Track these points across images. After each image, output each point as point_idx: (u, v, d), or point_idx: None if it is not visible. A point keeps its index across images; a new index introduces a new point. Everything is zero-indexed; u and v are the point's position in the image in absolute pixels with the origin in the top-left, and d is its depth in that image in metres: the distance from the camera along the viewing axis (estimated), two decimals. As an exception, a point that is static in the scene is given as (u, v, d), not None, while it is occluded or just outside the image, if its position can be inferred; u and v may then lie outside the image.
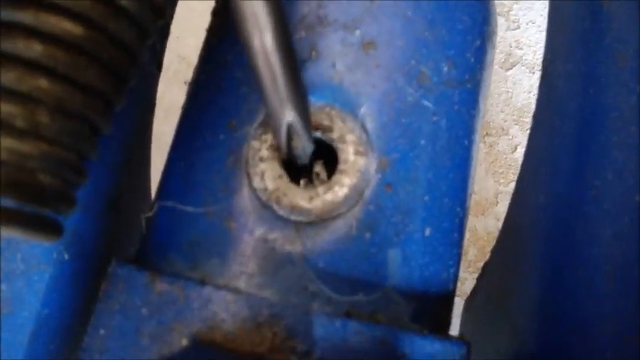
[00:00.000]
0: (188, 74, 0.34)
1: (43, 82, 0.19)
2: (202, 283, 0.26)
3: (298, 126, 0.25)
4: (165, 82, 1.11)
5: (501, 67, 1.23)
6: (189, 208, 0.28)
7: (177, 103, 0.34)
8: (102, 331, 0.26)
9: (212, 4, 0.36)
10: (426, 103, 0.30)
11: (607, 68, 0.32)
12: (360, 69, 0.29)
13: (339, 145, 0.28)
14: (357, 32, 0.30)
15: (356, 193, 0.28)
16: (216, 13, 0.36)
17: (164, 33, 0.38)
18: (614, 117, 0.30)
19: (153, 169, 0.45)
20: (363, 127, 0.29)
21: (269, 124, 0.29)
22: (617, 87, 0.31)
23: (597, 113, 0.32)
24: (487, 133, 1.20)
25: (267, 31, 0.21)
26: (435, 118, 0.31)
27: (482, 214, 1.15)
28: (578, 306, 0.30)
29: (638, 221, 0.27)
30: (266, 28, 0.21)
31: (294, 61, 0.22)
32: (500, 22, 1.28)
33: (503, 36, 1.25)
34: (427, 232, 0.30)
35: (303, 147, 0.27)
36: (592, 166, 0.31)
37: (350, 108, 0.29)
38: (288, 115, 0.24)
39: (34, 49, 0.19)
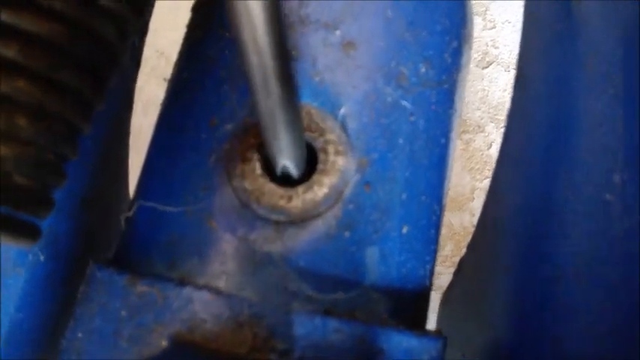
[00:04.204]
0: (166, 69, 0.34)
1: (20, 83, 0.19)
2: (182, 283, 0.26)
3: (291, 168, 0.27)
4: (144, 77, 1.09)
5: (477, 66, 1.25)
6: (169, 208, 0.28)
7: (155, 98, 0.34)
8: (80, 334, 0.26)
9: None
10: (404, 103, 0.31)
11: (578, 72, 0.33)
12: (341, 69, 0.30)
13: (318, 145, 0.29)
14: (338, 32, 0.30)
15: (335, 192, 0.28)
16: (196, 9, 0.35)
17: (143, 29, 0.38)
18: (584, 119, 0.31)
19: (131, 165, 0.45)
20: (343, 127, 0.29)
21: (249, 122, 0.29)
22: (587, 91, 0.32)
23: (568, 116, 0.33)
24: (464, 131, 1.22)
25: (272, 98, 0.21)
26: (412, 118, 0.31)
27: (459, 210, 1.16)
28: (548, 302, 0.31)
29: (606, 221, 0.28)
30: (273, 95, 0.21)
31: (297, 120, 0.23)
32: (477, 22, 1.30)
33: (480, 35, 1.27)
34: (405, 229, 0.30)
35: (295, 174, 0.28)
36: (562, 167, 0.32)
37: (330, 108, 0.29)
38: (284, 161, 0.26)
39: (12, 48, 0.19)
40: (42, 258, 0.30)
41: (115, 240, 0.31)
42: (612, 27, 0.31)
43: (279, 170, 0.27)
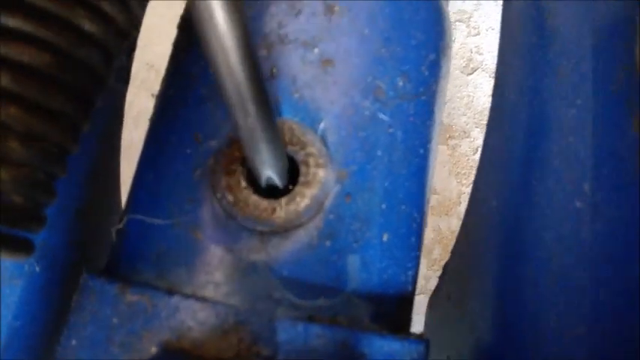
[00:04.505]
0: (156, 82, 0.35)
1: (12, 110, 0.20)
2: (170, 292, 0.27)
3: (275, 178, 0.28)
4: (134, 90, 1.10)
5: (462, 72, 1.26)
6: (157, 220, 0.29)
7: (145, 110, 0.34)
8: (74, 342, 0.27)
9: (180, 10, 0.37)
10: (382, 116, 0.32)
11: (550, 81, 0.34)
12: (319, 85, 0.31)
13: (300, 158, 0.30)
14: (316, 50, 0.31)
15: (317, 203, 0.30)
16: (181, 28, 0.36)
17: (131, 47, 0.39)
18: (555, 128, 0.33)
19: (123, 177, 0.46)
20: (323, 141, 0.30)
21: (233, 137, 0.30)
22: (558, 99, 0.33)
23: (541, 124, 0.34)
24: (450, 136, 1.23)
25: (250, 117, 0.23)
26: (391, 130, 0.32)
27: (446, 214, 1.18)
28: (526, 305, 0.33)
29: (577, 226, 0.29)
30: (250, 114, 0.23)
31: (275, 133, 0.25)
32: (461, 29, 1.32)
33: (464, 42, 1.29)
34: (385, 237, 0.31)
35: (279, 184, 0.29)
36: (536, 174, 0.33)
37: (310, 122, 0.31)
38: (267, 172, 0.27)
39: (3, 78, 0.20)
40: (37, 269, 0.31)
41: (107, 250, 0.32)
42: (583, 37, 0.32)
43: (263, 181, 0.28)
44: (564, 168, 0.31)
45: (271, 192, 0.30)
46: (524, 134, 0.37)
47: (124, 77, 0.36)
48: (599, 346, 0.26)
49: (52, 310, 0.34)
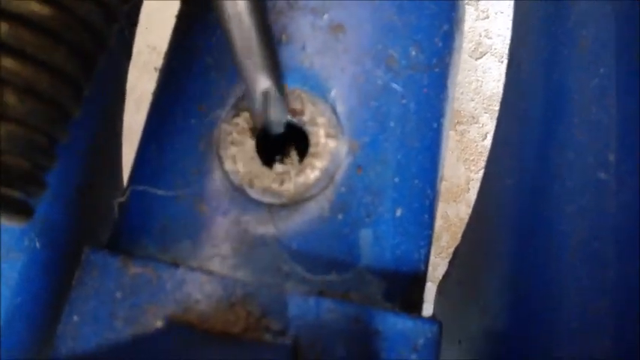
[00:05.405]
0: (159, 64, 0.34)
1: (10, 63, 0.19)
2: (176, 265, 0.26)
3: (273, 93, 0.25)
4: (136, 73, 1.09)
5: (471, 57, 1.25)
6: (161, 192, 0.28)
7: (148, 94, 0.34)
8: (76, 318, 0.26)
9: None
10: (394, 86, 0.31)
11: (569, 52, 0.33)
12: (330, 52, 0.30)
13: (310, 128, 0.29)
14: (326, 16, 0.30)
15: (327, 175, 0.28)
16: (185, 0, 0.35)
17: (133, 21, 0.38)
18: (576, 99, 0.31)
19: (124, 160, 0.45)
20: (334, 110, 0.29)
21: (239, 107, 0.29)
22: (578, 70, 0.32)
23: (560, 96, 0.33)
24: (458, 122, 1.22)
25: None
26: (403, 101, 0.31)
27: (454, 201, 1.17)
28: (545, 282, 0.31)
29: (600, 197, 0.28)
30: None
31: (267, 27, 0.23)
32: (470, 12, 1.30)
33: (473, 25, 1.27)
34: (398, 212, 0.30)
35: (279, 115, 0.27)
36: (555, 147, 0.32)
37: (320, 91, 0.29)
38: (264, 83, 0.24)
39: (1, 29, 0.19)
40: (38, 245, 0.30)
41: (109, 228, 0.31)
42: (604, 5, 0.31)
43: (259, 98, 0.25)
44: (587, 139, 0.30)
45: (280, 163, 0.28)
46: (541, 107, 0.35)
47: (126, 48, 0.35)
48: (624, 320, 0.25)
49: (54, 289, 0.33)
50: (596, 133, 0.29)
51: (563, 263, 0.30)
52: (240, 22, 0.22)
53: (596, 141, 0.29)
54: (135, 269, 0.25)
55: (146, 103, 0.33)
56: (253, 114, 0.27)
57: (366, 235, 0.29)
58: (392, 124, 0.31)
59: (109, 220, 0.31)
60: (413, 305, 0.32)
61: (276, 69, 0.24)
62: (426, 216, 0.33)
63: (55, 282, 0.33)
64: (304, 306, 0.26)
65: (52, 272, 0.32)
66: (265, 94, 0.25)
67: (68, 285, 0.27)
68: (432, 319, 0.29)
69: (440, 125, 0.34)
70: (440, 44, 0.34)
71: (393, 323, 0.28)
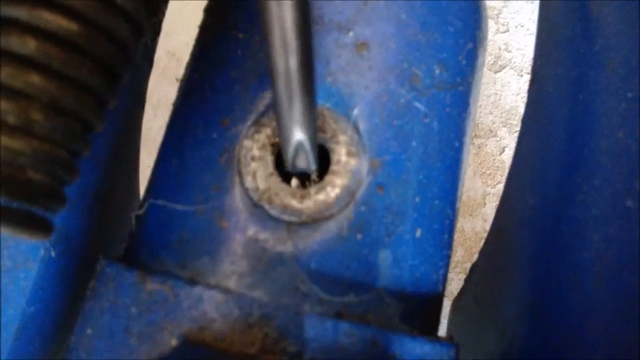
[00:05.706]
0: (177, 71, 0.34)
1: (36, 79, 0.19)
2: (193, 282, 0.26)
3: (306, 145, 0.25)
4: (155, 79, 1.10)
5: (490, 70, 1.24)
6: (180, 207, 0.28)
7: (166, 100, 0.34)
8: (89, 331, 0.25)
9: (203, 1, 0.36)
10: (417, 105, 0.30)
11: (597, 74, 0.33)
12: (353, 70, 0.29)
13: (331, 146, 0.28)
14: (351, 33, 0.30)
15: (348, 193, 0.28)
16: (208, 11, 0.35)
17: (156, 30, 0.38)
18: (604, 123, 0.31)
19: (141, 166, 0.45)
20: (356, 128, 0.29)
21: (261, 122, 0.29)
22: (606, 93, 0.31)
23: (587, 119, 0.32)
24: (475, 135, 1.21)
25: (293, 55, 0.21)
26: (426, 120, 0.31)
27: (470, 215, 1.15)
28: (567, 308, 0.31)
29: (627, 226, 0.27)
30: (293, 52, 0.21)
31: (312, 84, 0.22)
32: (490, 25, 1.29)
33: (493, 39, 1.26)
34: (418, 233, 0.30)
35: (308, 165, 0.27)
36: (580, 172, 0.32)
37: (343, 109, 0.29)
38: (299, 135, 0.24)
39: (29, 45, 0.19)
40: (53, 254, 0.30)
41: (125, 238, 0.31)
42: (631, 27, 0.31)
43: (292, 149, 0.25)
44: (614, 165, 0.29)
45: (300, 182, 0.28)
46: (565, 130, 0.35)
47: (149, 57, 0.35)
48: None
49: (68, 298, 0.33)
50: (624, 158, 0.28)
51: (587, 293, 0.29)
52: (288, 81, 0.21)
53: (623, 167, 0.28)
54: (152, 285, 0.25)
55: (163, 109, 0.33)
56: (285, 160, 0.27)
57: (385, 256, 0.28)
58: (414, 143, 0.30)
59: (126, 228, 0.31)
60: (430, 326, 0.31)
61: (312, 124, 0.24)
62: (446, 236, 0.32)
63: (69, 291, 0.32)
64: (321, 328, 0.25)
65: (67, 281, 0.32)
66: (298, 145, 0.25)
67: (82, 294, 0.27)
68: (449, 341, 0.29)
69: (461, 144, 0.33)
70: (464, 62, 0.33)
71: (411, 347, 0.27)
